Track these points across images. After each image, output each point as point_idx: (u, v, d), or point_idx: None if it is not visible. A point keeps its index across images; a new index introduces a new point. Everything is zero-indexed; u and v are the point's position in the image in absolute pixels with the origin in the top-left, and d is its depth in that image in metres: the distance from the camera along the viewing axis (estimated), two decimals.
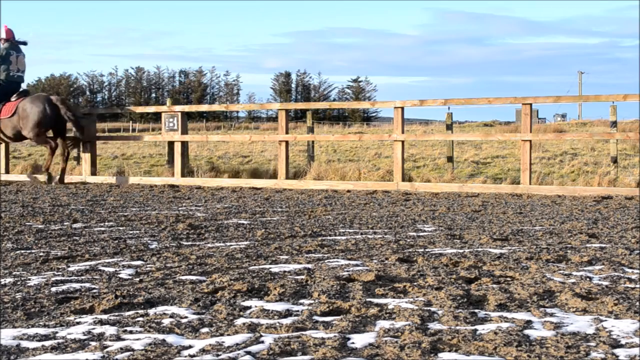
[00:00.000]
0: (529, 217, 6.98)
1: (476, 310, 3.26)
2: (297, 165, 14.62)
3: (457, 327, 2.99)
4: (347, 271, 4.16)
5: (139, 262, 4.53)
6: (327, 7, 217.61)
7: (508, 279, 4.00)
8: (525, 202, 8.70)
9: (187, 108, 13.10)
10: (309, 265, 4.37)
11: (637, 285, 3.78)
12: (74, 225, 6.37)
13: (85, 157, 13.13)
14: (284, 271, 4.20)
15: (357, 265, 4.38)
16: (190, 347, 2.74)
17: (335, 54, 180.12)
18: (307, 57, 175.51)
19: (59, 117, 12.15)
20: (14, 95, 12.27)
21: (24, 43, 12.68)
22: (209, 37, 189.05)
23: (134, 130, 63.94)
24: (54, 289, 3.72)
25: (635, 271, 4.16)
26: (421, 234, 5.83)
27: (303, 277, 4.01)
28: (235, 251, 4.94)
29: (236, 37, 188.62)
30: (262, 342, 2.79)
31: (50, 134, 12.30)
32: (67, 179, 12.74)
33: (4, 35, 12.51)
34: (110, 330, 2.96)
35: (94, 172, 13.02)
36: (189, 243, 5.36)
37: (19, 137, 12.30)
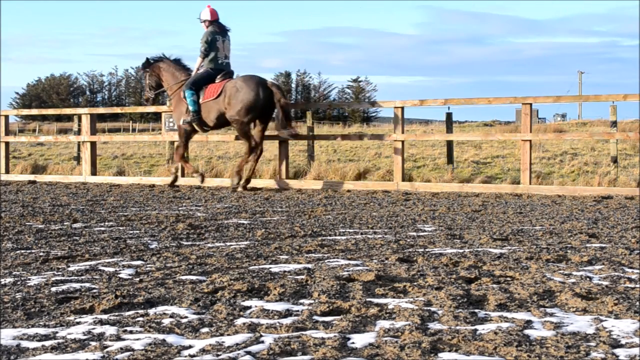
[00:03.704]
0: (529, 217, 6.98)
1: (476, 310, 3.26)
2: (297, 165, 14.61)
3: (457, 327, 2.99)
4: (347, 271, 4.16)
5: (139, 262, 4.53)
6: (324, 7, 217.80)
7: (508, 278, 4.00)
8: (525, 202, 8.70)
9: None
10: (309, 265, 4.37)
11: (637, 285, 3.78)
12: (74, 225, 6.37)
13: (86, 157, 13.14)
14: (284, 271, 4.20)
15: (357, 265, 4.38)
16: (190, 347, 2.74)
17: (333, 54, 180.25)
18: (305, 56, 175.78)
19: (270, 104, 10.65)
20: (219, 77, 10.84)
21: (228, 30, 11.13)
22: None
23: (134, 130, 63.95)
24: (54, 289, 3.72)
25: (635, 271, 4.16)
26: (421, 233, 5.83)
27: (303, 277, 4.01)
28: (235, 251, 4.94)
29: (233, 36, 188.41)
30: (262, 342, 2.79)
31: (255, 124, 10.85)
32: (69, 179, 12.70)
33: (208, 17, 10.97)
34: (110, 330, 2.96)
35: (94, 172, 13.03)
36: (189, 243, 5.36)
37: (222, 122, 10.82)
